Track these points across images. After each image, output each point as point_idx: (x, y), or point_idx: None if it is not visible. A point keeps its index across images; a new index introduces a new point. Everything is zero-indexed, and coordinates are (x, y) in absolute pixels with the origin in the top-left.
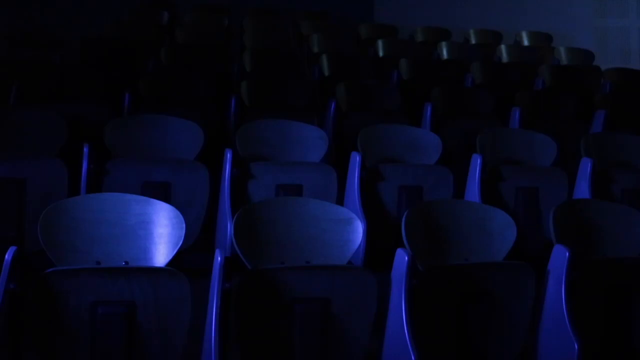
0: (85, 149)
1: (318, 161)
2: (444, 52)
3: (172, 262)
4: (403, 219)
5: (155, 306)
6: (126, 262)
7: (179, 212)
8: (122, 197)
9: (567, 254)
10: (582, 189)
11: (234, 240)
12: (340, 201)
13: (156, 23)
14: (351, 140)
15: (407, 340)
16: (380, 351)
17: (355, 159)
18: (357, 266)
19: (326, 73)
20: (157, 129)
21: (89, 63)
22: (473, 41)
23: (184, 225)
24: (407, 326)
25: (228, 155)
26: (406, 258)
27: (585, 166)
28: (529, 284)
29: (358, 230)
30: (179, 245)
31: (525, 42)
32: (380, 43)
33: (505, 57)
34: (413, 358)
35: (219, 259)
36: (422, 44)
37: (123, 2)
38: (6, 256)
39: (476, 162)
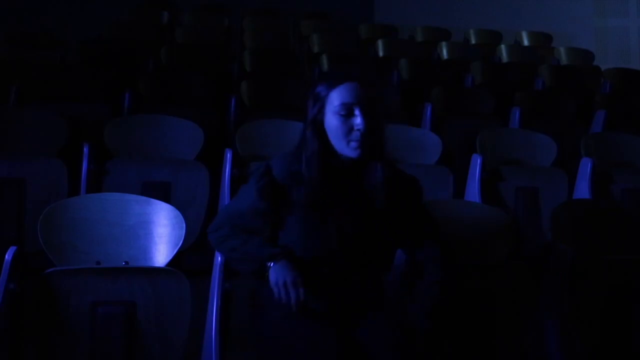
0: (85, 149)
1: None
2: (444, 52)
3: (172, 262)
4: None
5: (155, 306)
6: (126, 262)
7: (179, 212)
8: (122, 197)
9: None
10: (582, 189)
11: None
12: None
13: (156, 23)
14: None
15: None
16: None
17: None
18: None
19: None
20: (157, 129)
21: (89, 63)
22: (473, 41)
23: (184, 225)
24: None
25: (228, 155)
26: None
27: (585, 166)
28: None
29: None
30: (179, 245)
31: (525, 42)
32: (380, 43)
33: (505, 57)
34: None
35: (219, 259)
36: (422, 44)
37: (123, 2)
38: (6, 256)
39: (476, 162)
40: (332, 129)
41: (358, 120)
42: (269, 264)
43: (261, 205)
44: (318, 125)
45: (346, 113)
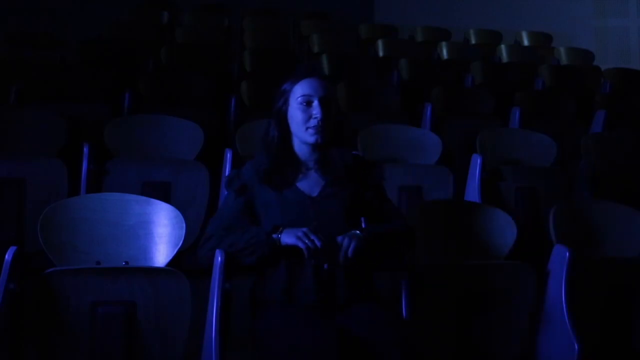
0: (85, 149)
1: None
2: (444, 52)
3: (172, 262)
4: None
5: (155, 306)
6: (126, 262)
7: (179, 212)
8: (122, 197)
9: (567, 254)
10: (582, 189)
11: None
12: None
13: (156, 23)
14: (351, 141)
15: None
16: None
17: None
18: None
19: (326, 73)
20: (157, 129)
21: (89, 63)
22: (473, 41)
23: (184, 225)
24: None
25: (228, 155)
26: None
27: (585, 166)
28: (529, 284)
29: None
30: (179, 245)
31: (525, 42)
32: (380, 43)
33: (505, 57)
34: None
35: (219, 259)
36: (422, 44)
37: (123, 2)
38: (6, 256)
39: (476, 162)
40: (294, 118)
41: (316, 110)
42: (275, 236)
43: (241, 205)
44: (282, 116)
45: (306, 103)
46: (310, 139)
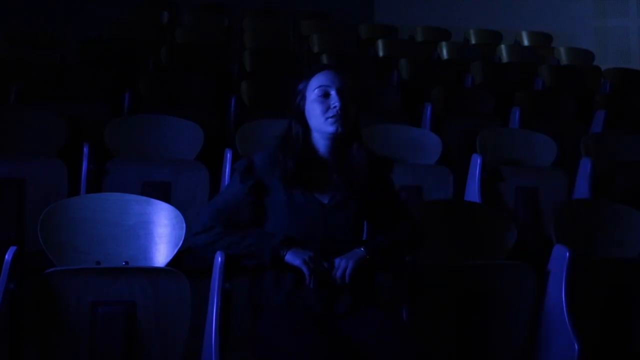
0: (85, 149)
1: None
2: (444, 52)
3: (172, 262)
4: None
5: (155, 306)
6: (126, 262)
7: (179, 212)
8: (122, 197)
9: (567, 254)
10: (582, 189)
11: None
12: None
13: (156, 23)
14: None
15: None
16: None
17: None
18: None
19: None
20: (157, 129)
21: (89, 63)
22: (473, 41)
23: (184, 225)
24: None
25: (228, 155)
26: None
27: (585, 166)
28: (529, 284)
29: None
30: (179, 245)
31: (525, 42)
32: (380, 43)
33: (505, 57)
34: None
35: (219, 259)
36: (422, 44)
37: (123, 2)
38: (6, 256)
39: (476, 162)
40: (312, 111)
41: (334, 99)
42: (282, 252)
43: (248, 198)
44: (300, 112)
45: (323, 94)
46: (331, 128)
